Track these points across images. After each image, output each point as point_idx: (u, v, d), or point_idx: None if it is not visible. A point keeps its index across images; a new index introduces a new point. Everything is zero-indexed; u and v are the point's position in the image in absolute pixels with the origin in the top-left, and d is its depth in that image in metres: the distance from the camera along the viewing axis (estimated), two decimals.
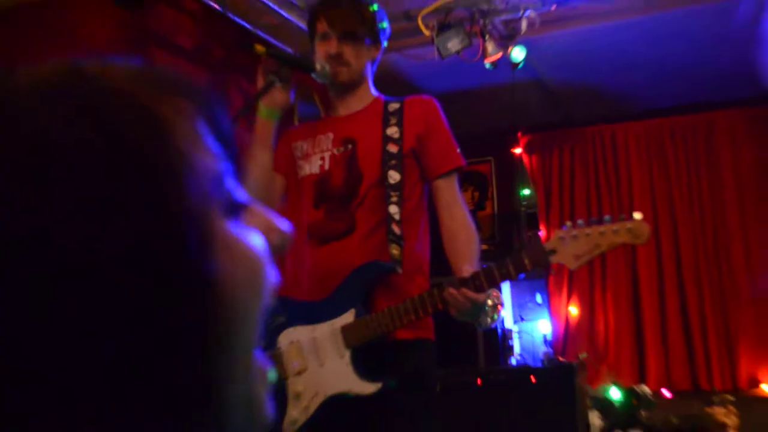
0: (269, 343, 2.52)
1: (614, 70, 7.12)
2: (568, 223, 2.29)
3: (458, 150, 2.72)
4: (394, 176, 2.60)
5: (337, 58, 2.67)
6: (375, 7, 2.78)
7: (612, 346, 7.98)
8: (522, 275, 2.43)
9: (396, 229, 2.58)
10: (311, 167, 2.70)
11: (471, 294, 2.37)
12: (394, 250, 2.55)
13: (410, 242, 2.61)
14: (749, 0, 5.19)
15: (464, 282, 2.40)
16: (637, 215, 2.21)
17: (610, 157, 8.31)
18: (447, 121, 2.76)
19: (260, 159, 2.65)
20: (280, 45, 5.60)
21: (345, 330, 2.47)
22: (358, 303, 2.49)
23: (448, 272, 2.58)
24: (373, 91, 2.83)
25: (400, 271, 2.53)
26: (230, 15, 5.43)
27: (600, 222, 2.25)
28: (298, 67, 2.62)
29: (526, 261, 2.34)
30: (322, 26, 2.72)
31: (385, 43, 2.85)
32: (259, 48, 2.55)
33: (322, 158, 2.69)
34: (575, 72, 7.15)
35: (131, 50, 5.02)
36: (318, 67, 2.62)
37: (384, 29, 2.82)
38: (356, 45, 2.69)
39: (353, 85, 2.74)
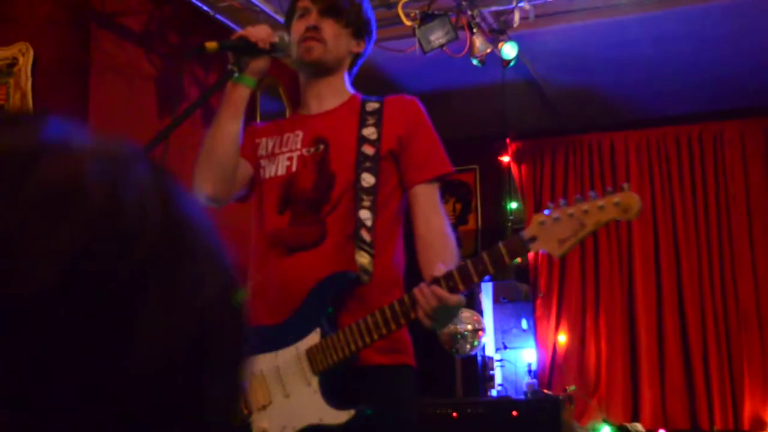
0: None
1: (615, 72, 7.09)
2: (550, 205, 2.19)
3: (443, 155, 2.66)
4: (367, 179, 2.54)
5: (313, 31, 2.60)
6: (364, 4, 2.74)
7: (603, 379, 7.93)
8: (505, 268, 2.34)
9: (366, 235, 2.49)
10: (277, 168, 2.63)
11: (442, 293, 2.26)
12: (362, 259, 2.47)
13: (386, 254, 2.54)
14: None
15: (436, 280, 2.30)
16: (625, 185, 2.12)
17: (607, 168, 8.28)
18: (432, 123, 2.70)
19: (227, 129, 2.55)
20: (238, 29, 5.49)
21: (310, 353, 2.39)
22: (322, 320, 2.40)
23: None
24: (350, 89, 2.77)
25: (367, 280, 2.45)
26: None
27: (584, 199, 2.15)
28: (258, 52, 2.53)
29: (503, 251, 2.24)
30: (302, 2, 2.67)
31: (369, 46, 2.80)
32: (210, 45, 2.46)
33: (290, 158, 2.62)
34: (572, 73, 7.11)
35: (73, 31, 4.90)
36: (276, 39, 2.53)
37: (370, 27, 2.77)
38: (337, 24, 2.64)
39: (326, 69, 2.66)
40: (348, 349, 2.35)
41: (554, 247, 2.17)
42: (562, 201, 2.15)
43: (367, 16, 2.74)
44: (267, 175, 2.66)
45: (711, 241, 7.89)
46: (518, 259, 2.31)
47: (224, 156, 2.56)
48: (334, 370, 2.38)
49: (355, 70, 2.80)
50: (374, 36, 2.82)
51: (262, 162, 2.68)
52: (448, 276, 2.29)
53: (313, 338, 2.40)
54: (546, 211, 2.18)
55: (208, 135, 2.56)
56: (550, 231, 2.17)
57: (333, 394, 2.39)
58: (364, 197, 2.52)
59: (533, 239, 2.19)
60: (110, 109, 4.96)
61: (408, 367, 2.55)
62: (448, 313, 2.34)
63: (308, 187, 2.57)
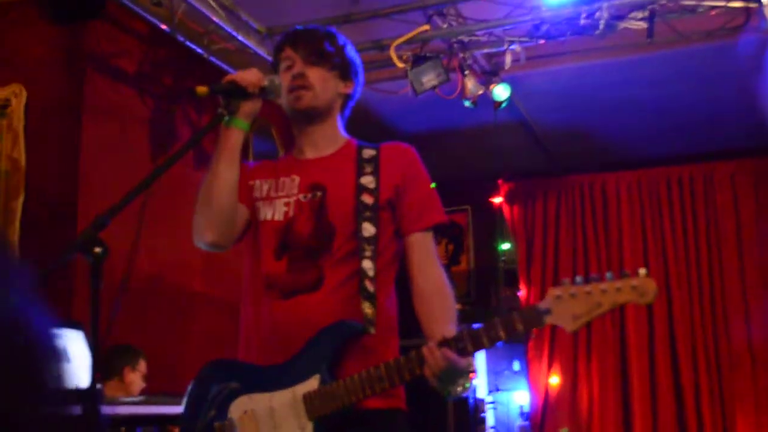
0: (219, 414, 2.41)
1: (606, 113, 7.12)
2: (566, 281, 2.21)
3: (439, 204, 2.68)
4: (368, 229, 2.53)
5: (299, 79, 2.59)
6: (347, 46, 2.75)
7: (596, 421, 7.87)
8: (500, 343, 2.33)
9: (369, 286, 2.49)
10: (274, 213, 2.61)
11: (452, 356, 2.28)
12: (368, 309, 2.46)
13: (382, 300, 2.53)
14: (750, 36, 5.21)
15: (446, 342, 2.30)
16: (642, 271, 2.16)
17: (599, 209, 8.29)
18: (426, 167, 2.71)
19: (225, 176, 2.53)
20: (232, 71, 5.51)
21: (307, 398, 2.36)
22: (323, 368, 2.38)
23: (417, 334, 2.50)
24: (344, 134, 2.76)
25: (373, 331, 2.44)
26: (180, 38, 5.33)
27: (601, 279, 2.19)
28: (247, 96, 2.53)
29: (518, 323, 2.25)
30: (286, 54, 2.67)
31: (358, 87, 2.80)
32: (201, 90, 2.45)
33: (287, 204, 2.60)
34: (563, 114, 7.13)
35: (66, 73, 4.91)
36: (267, 83, 2.53)
37: (357, 68, 2.77)
38: (322, 69, 2.63)
39: (317, 115, 2.66)
40: (348, 399, 2.33)
41: (568, 323, 2.20)
42: (578, 278, 2.19)
43: (351, 56, 2.73)
44: (262, 218, 2.64)
45: (702, 281, 7.89)
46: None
47: (223, 204, 2.54)
48: (331, 417, 2.35)
49: (347, 112, 2.80)
50: (362, 76, 2.82)
51: (258, 204, 2.66)
52: (459, 338, 2.28)
53: (312, 384, 2.37)
54: (561, 284, 2.21)
55: (205, 183, 2.54)
56: (565, 306, 2.20)
57: None
58: (366, 247, 2.52)
59: (548, 312, 2.21)
60: (102, 151, 4.95)
61: (401, 411, 2.53)
62: (456, 374, 2.33)
63: (306, 234, 2.55)
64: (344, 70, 2.70)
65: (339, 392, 2.34)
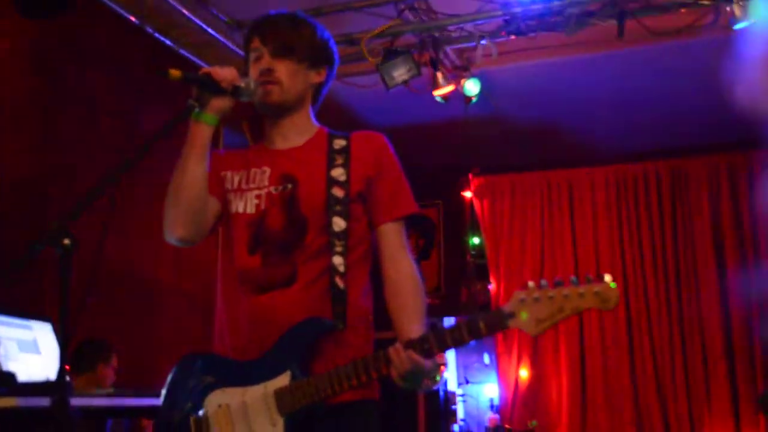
0: (194, 407, 2.41)
1: (577, 108, 7.16)
2: (530, 284, 2.22)
3: (410, 195, 2.67)
4: (339, 223, 2.52)
5: (267, 74, 2.57)
6: (317, 30, 2.71)
7: (565, 413, 7.92)
8: (481, 339, 2.35)
9: (339, 282, 2.48)
10: (246, 206, 2.59)
11: (417, 358, 2.29)
12: (337, 306, 2.47)
13: (354, 294, 2.52)
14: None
15: (411, 344, 2.31)
16: (607, 277, 2.17)
17: (568, 205, 8.33)
18: (399, 160, 2.69)
19: (194, 171, 2.49)
20: (205, 65, 5.49)
21: (279, 394, 2.36)
22: (294, 364, 2.38)
23: (390, 326, 2.51)
24: (315, 123, 2.74)
25: (342, 328, 2.45)
26: (149, 30, 5.30)
27: (565, 283, 2.19)
28: (220, 91, 2.51)
29: (482, 326, 2.26)
30: (254, 44, 2.64)
31: (332, 72, 2.77)
32: (174, 73, 2.42)
33: (258, 197, 2.58)
34: (534, 109, 7.16)
35: (37, 63, 4.87)
36: (242, 84, 2.51)
37: (330, 54, 2.74)
38: (290, 62, 2.60)
39: (287, 108, 2.63)
40: (317, 396, 2.34)
41: (531, 327, 2.21)
42: (543, 282, 2.20)
43: (322, 42, 2.68)
44: (234, 210, 2.62)
45: (672, 277, 7.96)
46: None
47: (192, 199, 2.52)
48: (301, 413, 2.36)
49: (320, 99, 2.78)
50: (336, 58, 2.79)
51: (229, 196, 2.65)
52: (424, 340, 2.29)
53: (283, 380, 2.37)
54: (525, 288, 2.22)
55: (173, 178, 2.52)
56: (528, 309, 2.21)
57: None
58: (336, 242, 2.51)
59: (512, 315, 2.22)
60: (72, 142, 4.92)
61: (373, 402, 2.54)
62: (421, 375, 2.34)
63: (278, 228, 2.54)
64: (315, 59, 2.66)
65: (309, 388, 2.34)
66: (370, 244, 2.62)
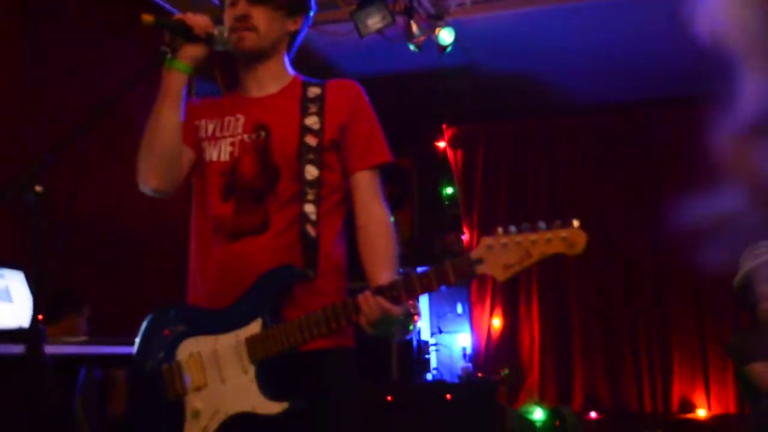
0: (167, 355, 2.43)
1: (550, 59, 7.16)
2: (499, 230, 2.23)
3: (384, 143, 2.67)
4: (311, 172, 2.51)
5: (242, 20, 2.55)
6: None
7: (536, 363, 8.03)
8: (444, 288, 2.36)
9: (311, 230, 2.49)
10: (219, 153, 2.59)
11: (386, 305, 2.30)
12: (308, 254, 2.48)
13: (327, 243, 2.53)
14: None
15: (380, 290, 2.32)
16: (575, 222, 2.17)
17: (541, 154, 8.36)
18: (373, 109, 2.68)
19: (168, 120, 2.48)
20: (175, 11, 5.43)
21: (250, 342, 2.38)
22: (265, 312, 2.39)
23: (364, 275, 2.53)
24: (290, 71, 2.73)
25: (312, 276, 2.46)
26: None
27: (533, 229, 2.20)
28: (193, 38, 2.49)
29: (451, 272, 2.27)
30: None
31: (308, 20, 2.74)
32: (147, 18, 2.39)
33: (232, 144, 2.57)
34: (507, 59, 7.15)
35: (4, 12, 4.80)
36: (216, 32, 2.49)
37: (307, 3, 2.71)
38: (267, 9, 2.57)
39: (262, 55, 2.62)
40: (287, 343, 2.35)
41: (499, 272, 2.21)
42: (511, 228, 2.20)
43: None
44: (208, 158, 2.62)
45: (642, 226, 8.02)
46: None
47: (167, 147, 2.51)
48: (272, 360, 2.38)
49: (295, 47, 2.76)
50: (313, 7, 2.76)
51: (203, 144, 2.64)
52: (393, 287, 2.30)
53: (254, 328, 2.39)
54: (494, 234, 2.21)
55: (147, 127, 2.50)
56: (497, 256, 2.21)
57: (269, 385, 2.38)
58: (309, 191, 2.51)
59: (480, 261, 2.22)
60: (43, 93, 4.88)
61: (347, 349, 2.55)
62: (390, 322, 2.36)
63: (251, 176, 2.54)
64: (293, 7, 2.64)
65: (279, 336, 2.36)
66: (344, 194, 2.62)
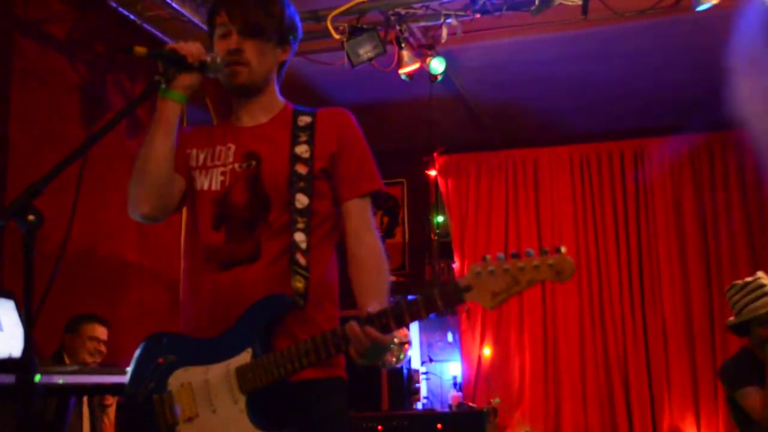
0: (158, 386, 2.41)
1: (541, 88, 7.19)
2: (487, 257, 2.21)
3: (375, 171, 2.65)
4: (302, 200, 2.50)
5: (235, 54, 2.55)
6: (285, 6, 2.67)
7: (527, 391, 8.00)
8: (433, 315, 2.35)
9: (301, 259, 2.48)
10: (211, 182, 2.58)
11: (375, 334, 2.29)
12: (298, 283, 2.45)
13: (318, 271, 2.51)
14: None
15: (369, 320, 2.30)
16: (562, 249, 2.15)
17: (532, 184, 8.38)
18: (364, 136, 2.67)
19: (161, 149, 2.48)
20: (169, 41, 5.44)
21: (240, 372, 2.36)
22: (255, 341, 2.38)
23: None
24: (281, 99, 2.72)
25: (302, 305, 2.44)
26: (112, 4, 5.24)
27: (520, 256, 2.18)
28: (186, 67, 2.49)
29: (439, 300, 2.25)
30: (221, 19, 2.60)
31: (295, 46, 2.75)
32: (139, 50, 2.39)
33: (223, 173, 2.57)
34: (498, 88, 7.18)
35: None
36: (208, 59, 2.49)
37: (295, 30, 2.71)
38: (260, 42, 2.56)
39: (255, 90, 2.61)
40: (278, 373, 2.34)
41: (486, 300, 2.18)
42: (500, 255, 2.18)
43: (289, 19, 2.65)
44: (199, 187, 2.61)
45: (633, 256, 8.05)
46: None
47: (158, 175, 2.51)
48: (262, 390, 2.36)
49: (283, 74, 2.76)
50: (299, 32, 2.76)
51: (194, 173, 2.63)
52: (382, 315, 2.28)
53: (244, 357, 2.38)
54: (482, 261, 2.19)
55: (140, 155, 2.50)
56: (484, 283, 2.17)
57: (259, 415, 2.36)
58: (299, 219, 2.50)
59: (468, 289, 2.19)
60: (32, 118, 4.87)
61: (339, 380, 2.53)
62: (379, 351, 2.34)
63: (242, 205, 2.53)
64: (282, 37, 2.64)
65: (269, 366, 2.34)
66: (335, 221, 2.61)
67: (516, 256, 2.17)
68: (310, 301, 2.46)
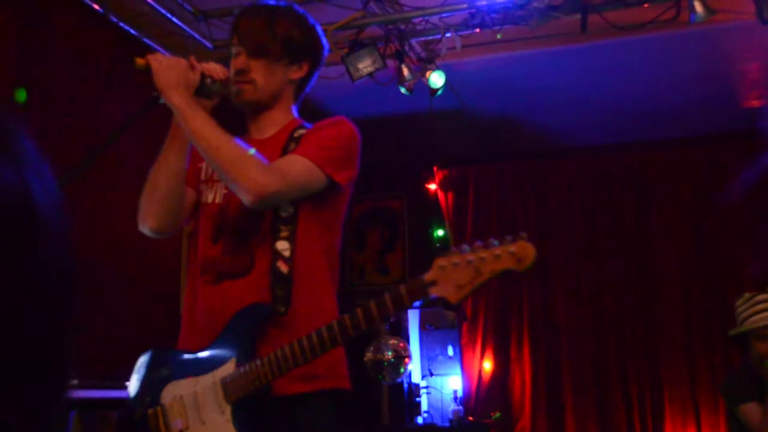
0: (153, 400, 2.45)
1: (541, 102, 7.21)
2: (452, 249, 2.17)
3: (336, 157, 2.57)
4: (286, 209, 2.53)
5: (241, 74, 2.58)
6: (298, 24, 2.67)
7: (528, 406, 7.98)
8: (407, 309, 2.33)
9: (283, 267, 2.49)
10: (215, 196, 2.62)
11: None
12: (279, 290, 2.47)
13: (303, 279, 2.51)
14: None
15: (341, 322, 2.30)
16: (523, 234, 2.09)
17: (532, 198, 8.38)
18: (347, 138, 2.62)
19: (174, 165, 2.51)
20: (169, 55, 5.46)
21: (224, 382, 2.38)
22: (238, 351, 2.40)
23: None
24: (293, 115, 2.73)
25: (283, 312, 2.44)
26: (113, 19, 5.27)
27: (484, 246, 2.13)
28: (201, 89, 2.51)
29: (405, 296, 2.22)
30: (233, 41, 2.66)
31: (317, 63, 2.74)
32: (140, 62, 2.42)
33: (227, 186, 2.61)
34: (498, 102, 7.20)
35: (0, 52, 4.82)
36: (208, 81, 2.51)
37: (309, 48, 2.70)
38: (266, 62, 2.59)
39: (261, 107, 2.64)
40: (260, 381, 2.34)
41: (452, 293, 2.13)
42: (465, 246, 2.13)
43: (302, 37, 2.67)
44: (204, 200, 2.65)
45: (634, 269, 8.03)
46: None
47: (169, 191, 2.54)
48: (247, 400, 2.37)
49: (305, 91, 2.77)
50: (322, 49, 2.76)
51: (201, 187, 2.67)
52: (353, 316, 2.28)
53: (228, 367, 2.39)
54: (447, 255, 2.14)
55: (153, 169, 2.53)
56: (449, 276, 2.13)
57: (246, 425, 2.37)
58: (282, 228, 2.52)
59: (433, 283, 2.15)
60: (32, 133, 4.87)
61: (328, 393, 2.51)
62: None
63: (237, 217, 2.56)
64: (295, 55, 2.66)
65: (251, 374, 2.35)
66: (325, 228, 2.61)
67: (480, 246, 2.11)
68: (294, 309, 2.46)
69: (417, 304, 2.28)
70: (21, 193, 0.67)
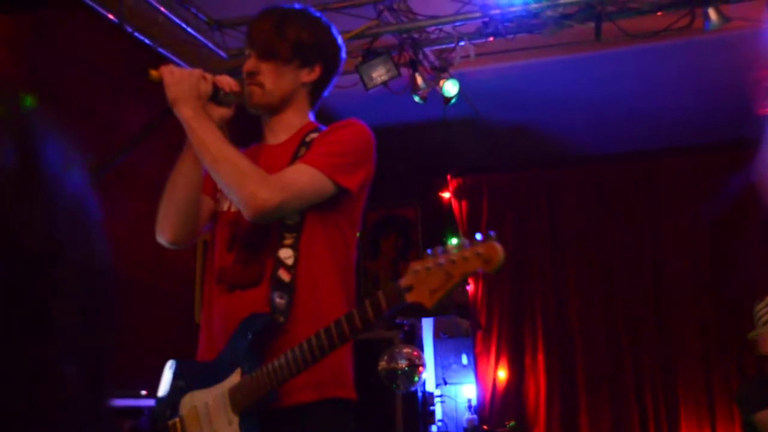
0: (173, 411, 2.46)
1: (554, 110, 7.20)
2: (427, 252, 2.14)
3: (337, 160, 2.54)
4: (292, 217, 2.52)
5: (250, 77, 2.58)
6: (309, 27, 2.66)
7: (542, 414, 7.96)
8: (383, 316, 2.29)
9: (284, 275, 2.46)
10: (230, 204, 2.61)
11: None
12: (279, 299, 2.45)
13: (307, 288, 2.49)
14: None
15: (327, 329, 2.28)
16: (491, 235, 2.06)
17: (546, 206, 8.37)
18: (356, 140, 2.60)
19: (190, 176, 2.51)
20: (183, 65, 5.48)
21: (231, 392, 2.38)
22: (243, 361, 2.39)
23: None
24: (308, 119, 2.71)
25: (283, 320, 2.43)
26: (128, 29, 5.29)
27: (458, 248, 2.09)
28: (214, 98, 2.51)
29: (383, 302, 2.20)
30: (247, 45, 2.66)
31: (331, 66, 2.72)
32: (154, 74, 2.42)
33: None
34: (512, 111, 7.20)
35: (14, 60, 4.84)
36: (221, 93, 2.51)
37: (322, 50, 2.69)
38: (276, 64, 2.58)
39: (273, 110, 2.62)
40: (262, 390, 2.33)
41: (426, 298, 2.10)
42: (438, 248, 2.10)
43: (313, 40, 2.65)
44: (220, 209, 2.65)
45: (647, 276, 8.00)
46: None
47: (186, 203, 2.53)
48: (253, 409, 2.36)
49: (322, 94, 2.75)
50: (337, 51, 2.73)
51: (218, 195, 2.67)
52: (338, 324, 2.26)
53: (235, 378, 2.38)
54: (422, 259, 2.12)
55: (170, 181, 2.53)
56: (423, 281, 2.10)
57: None
58: (286, 235, 2.50)
59: (409, 288, 2.12)
60: None
61: (335, 402, 2.49)
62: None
63: (249, 226, 2.54)
64: (306, 57, 2.64)
65: (255, 383, 2.34)
66: (334, 235, 2.58)
67: (451, 248, 2.08)
68: (295, 319, 2.43)
69: (395, 309, 2.22)
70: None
